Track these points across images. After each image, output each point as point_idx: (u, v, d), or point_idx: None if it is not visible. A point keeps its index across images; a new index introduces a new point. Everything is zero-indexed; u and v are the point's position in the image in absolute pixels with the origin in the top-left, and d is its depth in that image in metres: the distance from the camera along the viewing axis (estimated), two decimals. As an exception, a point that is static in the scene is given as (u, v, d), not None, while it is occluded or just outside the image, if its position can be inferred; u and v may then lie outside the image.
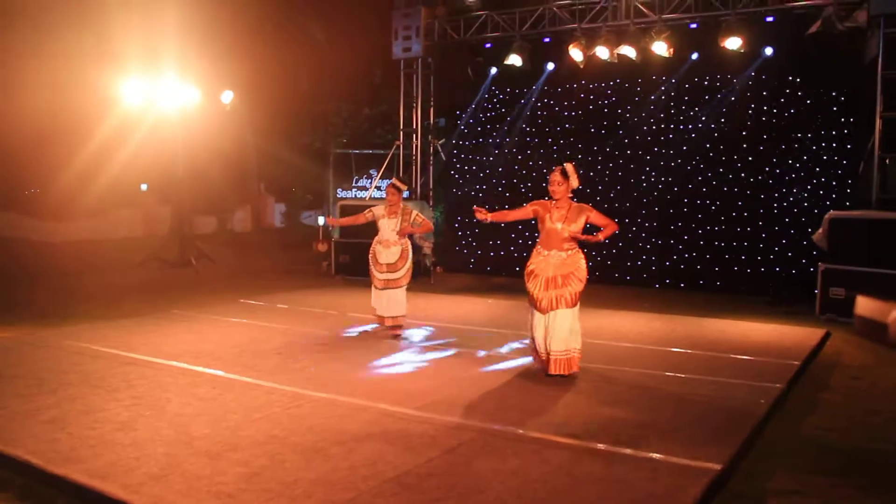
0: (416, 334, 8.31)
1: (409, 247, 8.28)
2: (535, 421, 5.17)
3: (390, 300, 8.18)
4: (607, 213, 6.69)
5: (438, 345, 7.80)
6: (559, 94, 13.96)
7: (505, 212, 6.71)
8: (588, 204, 6.55)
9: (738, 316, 9.95)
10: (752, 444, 4.95)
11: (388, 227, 8.20)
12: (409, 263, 8.19)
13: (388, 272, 8.14)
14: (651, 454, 4.53)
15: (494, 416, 5.28)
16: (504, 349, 7.57)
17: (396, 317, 8.25)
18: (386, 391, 5.90)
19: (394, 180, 8.31)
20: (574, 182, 6.35)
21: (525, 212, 6.61)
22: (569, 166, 6.36)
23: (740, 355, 7.44)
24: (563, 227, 6.33)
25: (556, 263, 6.33)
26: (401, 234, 8.18)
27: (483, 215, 6.46)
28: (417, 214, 8.26)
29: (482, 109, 14.91)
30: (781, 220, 11.96)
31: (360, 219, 8.35)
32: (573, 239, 6.37)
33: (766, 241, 12.08)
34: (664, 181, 12.91)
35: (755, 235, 12.16)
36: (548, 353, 6.32)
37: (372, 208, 8.32)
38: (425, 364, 6.91)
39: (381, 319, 8.34)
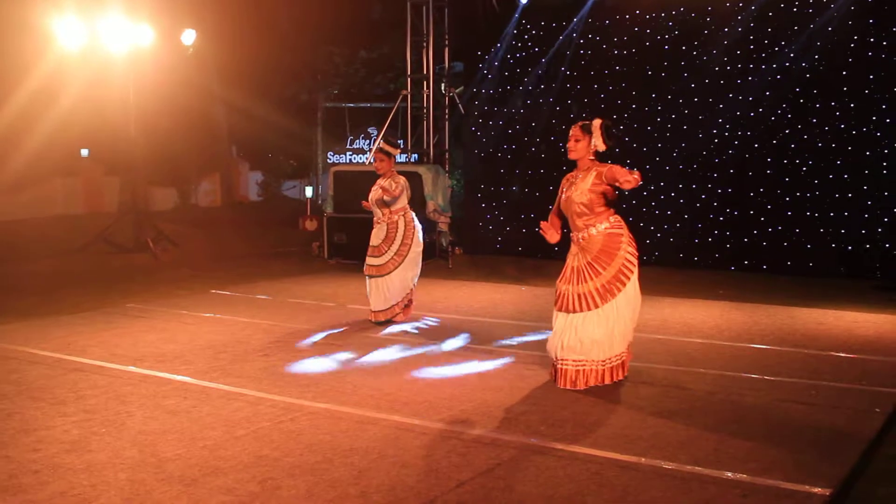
0: (435, 330, 8.32)
1: (404, 225, 8.53)
2: (590, 435, 5.16)
3: (376, 289, 8.55)
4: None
5: (464, 343, 7.80)
6: (607, 28, 13.84)
7: (555, 219, 6.50)
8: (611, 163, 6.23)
9: (838, 304, 9.88)
10: (868, 463, 4.91)
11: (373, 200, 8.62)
12: (396, 246, 8.48)
13: (371, 256, 8.59)
14: (738, 475, 4.50)
15: (539, 429, 5.27)
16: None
17: (378, 311, 8.57)
18: (401, 400, 5.90)
19: (381, 143, 8.68)
20: (598, 143, 6.09)
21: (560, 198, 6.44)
22: (596, 121, 6.22)
23: (844, 353, 7.40)
24: (572, 195, 6.17)
25: (582, 247, 6.23)
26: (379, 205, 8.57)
27: (552, 235, 6.34)
28: (396, 184, 8.44)
29: (510, 49, 14.82)
30: (892, 183, 11.84)
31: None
32: (596, 201, 6.11)
33: (873, 210, 11.97)
34: (741, 137, 12.79)
35: (859, 203, 12.05)
36: (555, 360, 6.26)
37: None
38: (449, 367, 6.90)
39: (371, 315, 8.68)
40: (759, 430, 5.31)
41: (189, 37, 15.74)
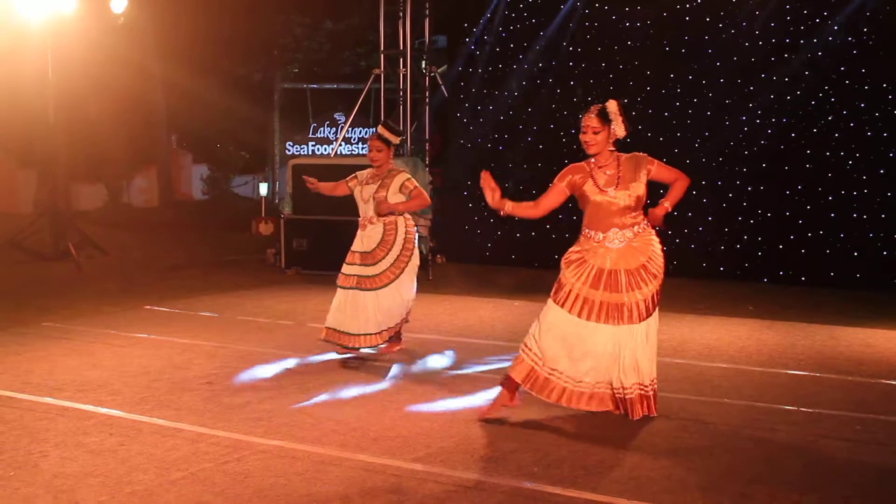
0: (412, 353, 8.30)
1: (401, 229, 8.07)
2: (592, 478, 5.15)
3: (357, 308, 7.95)
4: (689, 173, 6.55)
5: (444, 368, 7.81)
6: (618, -5, 13.89)
7: (530, 203, 6.39)
8: (644, 153, 6.39)
9: (890, 323, 9.93)
10: (920, 509, 4.94)
11: (366, 197, 8.10)
12: (395, 253, 8.00)
13: (360, 263, 8.05)
14: (769, 526, 4.52)
15: (532, 470, 5.26)
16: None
17: (356, 335, 7.98)
18: (370, 436, 5.88)
19: (379, 127, 8.21)
20: (619, 129, 6.20)
21: (559, 192, 6.34)
22: (612, 105, 6.27)
23: (896, 380, 7.43)
24: (618, 193, 6.20)
25: (621, 250, 6.24)
26: (379, 209, 7.98)
27: (497, 201, 6.11)
28: (408, 179, 8.09)
29: (503, 21, 14.84)
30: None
31: (341, 188, 8.35)
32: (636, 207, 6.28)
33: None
34: (775, 124, 12.84)
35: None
36: (618, 389, 6.28)
37: (358, 174, 8.28)
38: (426, 396, 6.88)
39: (338, 338, 8.02)
40: (793, 472, 5.32)
41: (120, 3, 15.68)
